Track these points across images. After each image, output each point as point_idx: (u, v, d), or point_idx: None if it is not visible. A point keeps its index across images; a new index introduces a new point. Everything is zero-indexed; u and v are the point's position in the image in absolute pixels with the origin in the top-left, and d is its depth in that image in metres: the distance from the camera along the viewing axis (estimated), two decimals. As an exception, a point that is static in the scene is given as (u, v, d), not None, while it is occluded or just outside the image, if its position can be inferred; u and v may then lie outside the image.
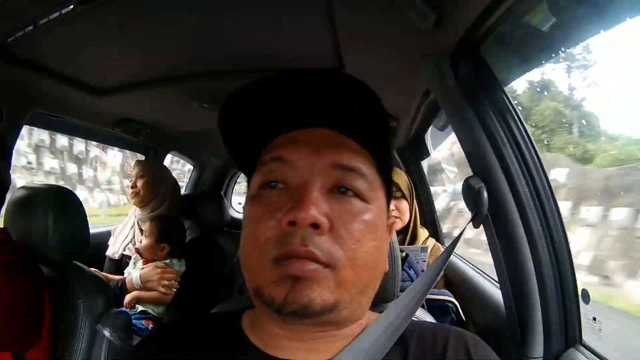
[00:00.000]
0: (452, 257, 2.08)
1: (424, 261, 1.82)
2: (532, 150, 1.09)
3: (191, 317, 0.76)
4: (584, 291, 1.10)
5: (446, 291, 1.72)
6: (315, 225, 0.54)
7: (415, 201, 2.03)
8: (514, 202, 1.06)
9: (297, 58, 1.40)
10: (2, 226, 1.37)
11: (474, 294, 1.72)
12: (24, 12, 1.09)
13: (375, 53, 1.32)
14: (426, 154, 2.49)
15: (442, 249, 2.01)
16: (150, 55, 1.42)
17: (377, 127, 0.66)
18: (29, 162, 11.31)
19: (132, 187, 2.49)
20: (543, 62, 1.09)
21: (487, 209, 1.08)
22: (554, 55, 1.04)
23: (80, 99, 1.74)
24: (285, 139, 0.65)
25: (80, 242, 1.47)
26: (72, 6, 1.06)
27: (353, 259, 0.57)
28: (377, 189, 0.64)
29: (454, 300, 1.65)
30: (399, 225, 1.95)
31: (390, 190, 0.71)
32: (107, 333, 1.37)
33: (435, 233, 2.46)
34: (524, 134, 1.09)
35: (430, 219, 2.57)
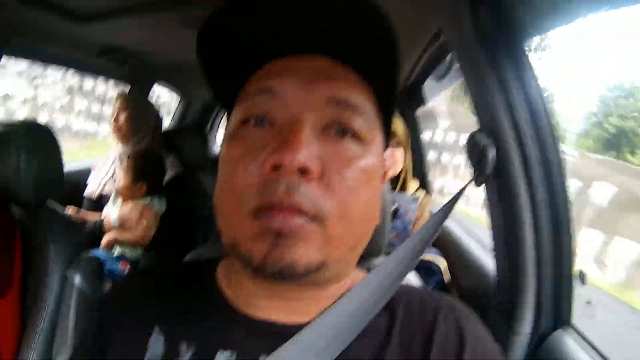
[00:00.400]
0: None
1: (414, 211, 1.80)
2: (545, 114, 1.01)
3: (163, 265, 0.70)
4: (581, 272, 1.06)
5: (434, 249, 1.71)
6: (303, 171, 0.47)
7: (409, 151, 1.99)
8: (522, 165, 1.00)
9: None
10: None
11: (461, 255, 1.69)
12: None
13: None
14: (422, 102, 2.42)
15: (432, 201, 1.99)
16: None
17: (385, 57, 0.55)
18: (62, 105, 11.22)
19: (114, 121, 2.37)
20: (575, 18, 0.99)
21: (491, 169, 1.02)
22: (593, 12, 0.94)
23: (62, 27, 1.65)
24: (273, 67, 0.55)
25: (55, 180, 1.39)
26: None
27: (345, 212, 0.49)
28: (376, 130, 0.56)
29: (440, 261, 1.63)
30: (391, 173, 1.90)
31: (389, 135, 0.62)
32: (77, 280, 1.32)
33: (424, 184, 2.42)
34: (539, 95, 1.01)
35: (420, 170, 2.51)
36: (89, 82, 11.19)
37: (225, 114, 0.63)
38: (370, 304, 0.59)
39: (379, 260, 0.95)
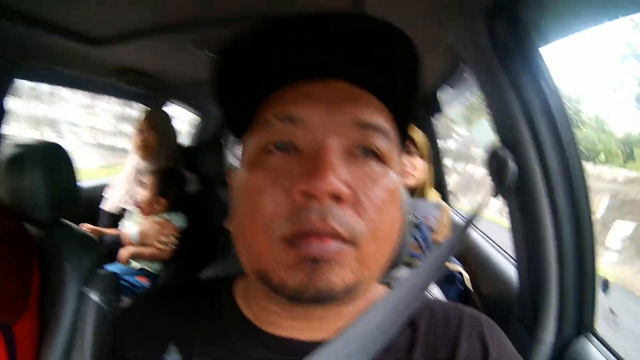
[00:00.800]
0: (460, 221, 2.04)
1: (435, 218, 1.80)
2: (566, 123, 1.00)
3: (180, 281, 0.70)
4: (605, 280, 1.06)
5: (454, 259, 1.69)
6: (335, 196, 0.46)
7: (428, 160, 1.98)
8: (543, 177, 0.99)
9: (311, 3, 1.28)
10: None
11: (483, 264, 1.68)
12: None
13: (402, 2, 1.20)
14: (439, 111, 2.41)
15: (450, 211, 1.98)
16: (150, 1, 1.32)
17: (407, 82, 0.56)
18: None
19: (141, 139, 2.37)
20: (592, 25, 0.98)
21: (512, 182, 1.01)
22: (607, 20, 0.93)
23: (76, 49, 1.65)
24: (292, 92, 0.54)
25: (70, 198, 1.41)
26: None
27: (375, 232, 0.49)
28: (395, 149, 0.55)
29: (462, 270, 1.62)
30: (411, 182, 1.90)
31: (405, 144, 0.61)
32: (93, 296, 1.32)
33: (442, 194, 2.40)
34: (559, 105, 1.00)
35: (438, 180, 2.50)
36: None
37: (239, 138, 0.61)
38: (392, 318, 0.59)
39: (398, 272, 0.96)
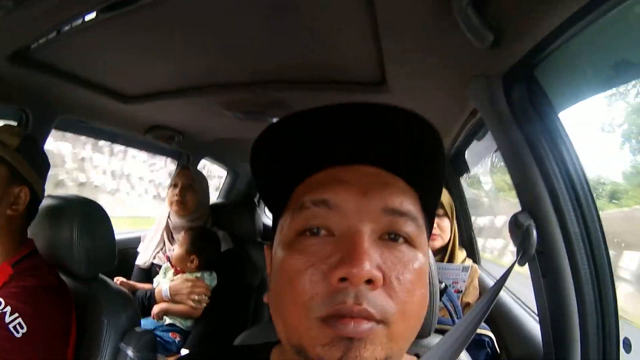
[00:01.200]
0: (487, 280, 2.00)
1: (464, 281, 1.78)
2: (585, 186, 1.00)
3: (216, 349, 0.72)
4: (626, 340, 1.03)
5: (483, 323, 1.65)
6: (369, 281, 0.49)
7: (455, 220, 1.98)
8: (564, 242, 0.98)
9: (337, 70, 1.35)
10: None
11: (510, 324, 1.65)
12: (46, 19, 1.06)
13: (422, 70, 1.26)
14: (466, 170, 2.41)
15: (479, 271, 1.95)
16: (181, 64, 1.40)
17: (434, 169, 0.60)
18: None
19: (178, 195, 2.39)
20: (607, 89, 0.99)
21: (534, 248, 1.00)
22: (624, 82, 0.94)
23: (109, 105, 1.73)
24: (327, 177, 0.57)
25: (107, 255, 1.43)
26: (94, 13, 1.04)
27: (405, 312, 0.52)
28: (424, 230, 0.58)
29: (490, 334, 1.58)
30: (438, 243, 1.90)
31: (432, 223, 0.64)
32: (130, 352, 1.32)
33: (471, 253, 2.38)
34: (578, 167, 1.01)
35: (467, 239, 2.48)
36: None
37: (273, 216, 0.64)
38: None
39: (427, 341, 0.96)
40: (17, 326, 1.09)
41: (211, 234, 2.35)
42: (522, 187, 1.05)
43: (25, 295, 1.15)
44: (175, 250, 2.24)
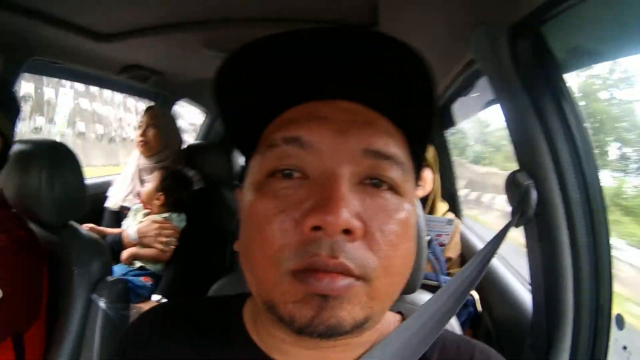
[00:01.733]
0: (472, 238, 2.00)
1: (447, 235, 1.78)
2: (589, 150, 0.96)
3: (189, 299, 0.68)
4: (619, 316, 1.02)
5: None
6: (346, 231, 0.43)
7: (438, 172, 1.97)
8: (563, 206, 0.95)
9: (325, 8, 1.27)
10: None
11: (496, 286, 1.62)
12: None
13: (419, 13, 1.18)
14: (452, 124, 2.38)
15: (461, 224, 1.98)
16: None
17: (422, 106, 0.53)
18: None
19: (142, 135, 2.34)
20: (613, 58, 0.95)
21: (532, 209, 0.96)
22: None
23: (84, 45, 1.66)
24: (301, 112, 0.51)
25: (77, 201, 1.37)
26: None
27: (388, 267, 0.47)
28: (410, 178, 0.52)
29: (474, 293, 1.57)
30: (419, 193, 1.87)
31: (419, 170, 0.58)
32: (102, 304, 1.28)
33: (453, 207, 2.37)
34: (582, 130, 0.96)
35: (449, 192, 2.47)
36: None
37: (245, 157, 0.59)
38: (407, 352, 0.57)
39: (412, 297, 0.95)
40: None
41: (181, 175, 2.32)
42: (522, 145, 1.01)
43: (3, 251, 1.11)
44: (145, 187, 2.21)
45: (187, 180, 2.33)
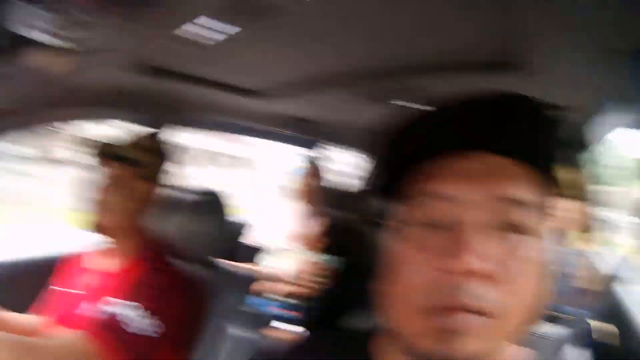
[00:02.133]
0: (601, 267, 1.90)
1: (579, 266, 1.75)
2: None
3: (321, 333, 0.75)
4: None
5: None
6: (476, 273, 0.47)
7: (581, 201, 1.90)
8: None
9: (476, 46, 1.25)
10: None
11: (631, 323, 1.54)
12: (164, 27, 1.11)
13: (564, 44, 1.16)
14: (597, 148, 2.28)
15: (594, 257, 1.90)
16: (318, 56, 1.39)
17: (556, 146, 0.55)
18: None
19: (307, 186, 2.50)
20: None
21: None
22: None
23: (245, 102, 1.79)
24: (443, 166, 0.53)
25: (222, 238, 1.51)
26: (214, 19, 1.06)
27: (515, 305, 0.50)
28: (542, 216, 0.53)
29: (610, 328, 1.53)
30: (563, 228, 1.81)
31: (553, 207, 0.57)
32: (237, 332, 1.38)
33: (598, 236, 2.18)
34: None
35: (588, 222, 2.31)
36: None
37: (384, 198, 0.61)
38: None
39: (538, 328, 0.91)
40: (155, 326, 1.17)
41: (346, 224, 2.32)
42: None
43: (160, 294, 1.22)
44: (307, 230, 2.33)
45: (351, 231, 2.33)
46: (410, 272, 0.51)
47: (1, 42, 0.99)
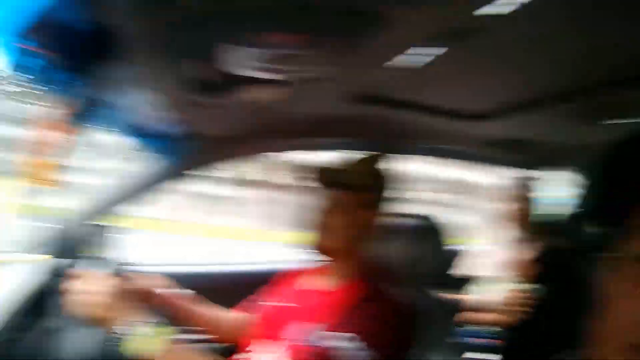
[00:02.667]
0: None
1: None
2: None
3: None
4: None
5: None
6: None
7: None
8: None
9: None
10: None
11: None
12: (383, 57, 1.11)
13: None
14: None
15: None
16: (530, 75, 1.33)
17: None
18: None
19: (519, 211, 2.43)
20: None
21: None
22: None
23: (457, 125, 1.76)
24: None
25: (437, 267, 1.52)
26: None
27: None
28: None
29: None
30: None
31: None
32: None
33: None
34: None
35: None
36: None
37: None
38: None
39: None
40: (367, 357, 1.15)
41: (562, 258, 2.28)
42: None
43: (373, 323, 1.20)
44: (518, 257, 2.28)
45: (564, 260, 2.29)
46: (625, 308, 0.50)
47: (215, 81, 1.10)
